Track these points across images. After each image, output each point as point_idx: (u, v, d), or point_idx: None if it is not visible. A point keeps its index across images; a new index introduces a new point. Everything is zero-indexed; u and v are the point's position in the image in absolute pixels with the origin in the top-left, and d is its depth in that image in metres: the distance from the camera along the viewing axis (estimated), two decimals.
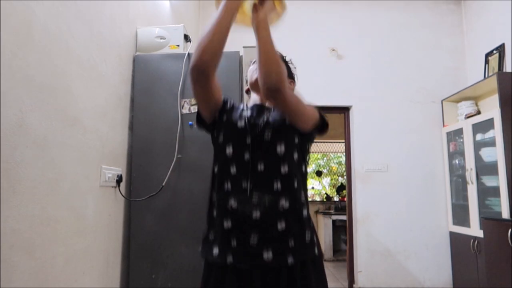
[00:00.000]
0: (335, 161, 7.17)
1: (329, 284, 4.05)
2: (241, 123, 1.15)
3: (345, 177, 4.50)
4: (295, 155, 1.14)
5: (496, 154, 3.01)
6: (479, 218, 3.18)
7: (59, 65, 1.40)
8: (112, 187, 1.86)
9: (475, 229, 3.23)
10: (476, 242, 3.19)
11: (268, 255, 1.05)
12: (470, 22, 3.99)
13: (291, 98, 1.07)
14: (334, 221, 5.69)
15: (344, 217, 4.79)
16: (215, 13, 1.04)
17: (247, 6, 1.08)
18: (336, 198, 6.66)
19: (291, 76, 1.30)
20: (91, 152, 1.65)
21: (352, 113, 3.98)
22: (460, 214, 3.58)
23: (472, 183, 3.31)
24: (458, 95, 3.69)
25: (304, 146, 1.19)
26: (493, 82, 3.16)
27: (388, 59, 4.02)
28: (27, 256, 1.21)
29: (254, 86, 1.27)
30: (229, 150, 1.13)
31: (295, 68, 1.20)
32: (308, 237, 1.11)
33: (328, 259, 5.54)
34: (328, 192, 6.89)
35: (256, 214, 1.07)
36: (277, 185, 1.09)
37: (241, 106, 1.24)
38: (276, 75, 1.02)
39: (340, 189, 6.66)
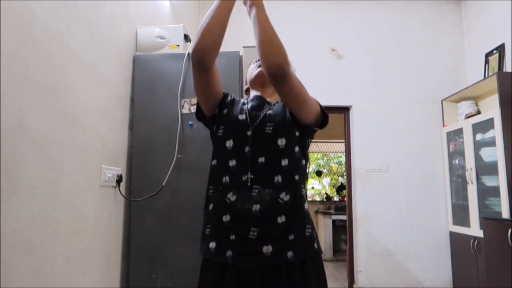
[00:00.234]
0: (335, 161, 7.17)
1: (329, 284, 4.05)
2: (242, 116, 1.15)
3: (345, 177, 4.50)
4: (296, 149, 1.13)
5: (496, 154, 3.01)
6: (479, 218, 3.18)
7: (59, 65, 1.40)
8: (112, 187, 1.86)
9: (475, 229, 3.23)
10: (476, 242, 3.19)
11: (267, 249, 1.04)
12: (470, 22, 3.99)
13: (296, 82, 1.06)
14: (334, 221, 5.69)
15: (344, 217, 4.79)
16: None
17: None
18: (336, 198, 6.66)
19: None
20: (91, 152, 1.65)
21: (352, 113, 3.98)
22: (460, 214, 3.58)
23: (472, 183, 3.31)
24: (458, 95, 3.69)
25: (304, 141, 1.18)
26: (493, 82, 3.16)
27: (388, 59, 4.02)
28: (27, 256, 1.21)
29: (254, 83, 1.27)
30: (229, 144, 1.12)
31: (294, 70, 1.20)
32: (309, 232, 1.10)
33: (328, 259, 5.54)
34: (328, 192, 6.89)
35: (256, 208, 1.06)
36: (278, 179, 1.08)
37: (242, 100, 1.24)
38: (280, 55, 1.00)
39: (340, 189, 6.66)
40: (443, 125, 3.87)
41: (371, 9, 4.11)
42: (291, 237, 1.06)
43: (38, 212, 1.26)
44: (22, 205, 1.19)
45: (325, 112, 1.19)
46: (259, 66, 1.25)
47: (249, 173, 1.08)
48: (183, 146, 1.99)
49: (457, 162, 3.68)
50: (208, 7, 1.06)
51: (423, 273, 3.69)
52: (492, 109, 3.27)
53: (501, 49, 3.39)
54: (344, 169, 6.32)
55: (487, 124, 3.15)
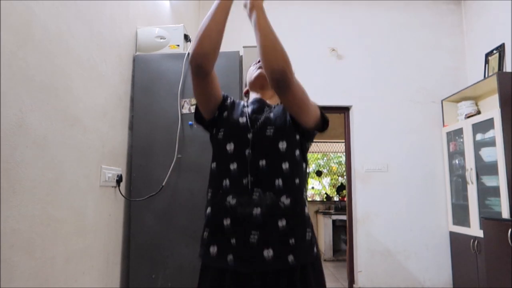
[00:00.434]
0: (335, 161, 7.17)
1: (329, 284, 4.03)
2: (242, 119, 1.15)
3: (345, 177, 4.50)
4: (297, 153, 1.13)
5: (496, 154, 3.01)
6: (479, 218, 3.18)
7: (59, 65, 1.40)
8: (112, 187, 1.86)
9: (475, 229, 3.23)
10: (476, 242, 3.19)
11: (268, 253, 1.03)
12: (470, 22, 3.99)
13: (299, 88, 1.05)
14: (334, 221, 5.69)
15: (344, 217, 4.79)
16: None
17: None
18: (336, 198, 6.67)
19: None
20: (91, 152, 1.65)
21: (352, 113, 3.98)
22: (460, 214, 3.58)
23: (472, 183, 3.31)
24: (458, 95, 3.69)
25: (304, 144, 1.18)
26: (493, 82, 3.16)
27: (388, 59, 4.02)
28: (27, 256, 1.21)
29: (254, 85, 1.26)
30: (230, 147, 1.12)
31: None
32: (309, 236, 1.10)
33: (328, 259, 5.54)
34: (328, 192, 6.89)
35: (257, 211, 1.05)
36: (279, 182, 1.08)
37: (242, 103, 1.23)
38: (282, 61, 1.00)
39: (340, 189, 6.66)
40: (443, 125, 3.87)
41: (371, 9, 4.11)
42: (292, 241, 1.06)
43: (38, 212, 1.26)
44: (22, 205, 1.19)
45: (325, 117, 1.19)
46: (259, 68, 1.24)
47: (249, 176, 1.08)
48: (183, 146, 1.99)
49: (457, 162, 3.68)
50: (208, 7, 1.07)
51: (423, 273, 3.69)
52: (492, 109, 3.27)
53: (501, 49, 3.39)
54: (344, 169, 6.32)
55: (487, 124, 3.15)
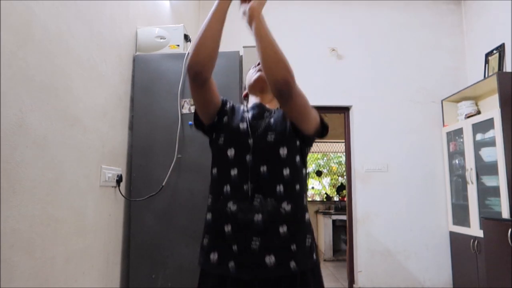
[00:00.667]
0: (335, 161, 7.17)
1: (329, 284, 4.03)
2: (243, 125, 1.14)
3: (345, 177, 4.50)
4: (297, 159, 1.13)
5: (496, 154, 3.01)
6: (479, 218, 3.18)
7: (59, 65, 1.40)
8: (112, 187, 1.86)
9: (475, 229, 3.23)
10: (476, 242, 3.19)
11: (270, 259, 1.03)
12: (470, 22, 3.99)
13: (300, 97, 1.05)
14: (334, 221, 5.69)
15: (344, 217, 4.79)
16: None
17: None
18: (336, 198, 6.67)
19: None
20: (91, 152, 1.65)
21: (352, 113, 3.98)
22: (460, 214, 3.58)
23: (472, 183, 3.31)
24: (458, 95, 3.69)
25: (304, 150, 1.18)
26: (493, 82, 3.17)
27: (388, 59, 4.02)
28: (27, 256, 1.21)
29: (254, 88, 1.25)
30: (230, 153, 1.11)
31: None
32: (309, 242, 1.10)
33: (328, 259, 5.54)
34: (328, 192, 6.89)
35: (258, 217, 1.05)
36: (280, 189, 1.08)
37: (242, 108, 1.23)
38: (285, 70, 0.99)
39: (340, 189, 6.67)
40: (443, 125, 3.87)
41: (371, 9, 4.12)
42: (293, 247, 1.06)
43: (38, 212, 1.26)
44: (22, 205, 1.19)
45: (325, 123, 1.18)
46: (259, 71, 1.23)
47: (250, 182, 1.07)
48: (183, 146, 1.99)
49: (457, 162, 3.68)
50: (208, 7, 1.06)
51: (423, 273, 3.69)
52: (492, 109, 3.27)
53: (501, 49, 3.39)
54: (344, 169, 6.32)
55: (487, 124, 3.15)
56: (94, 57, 1.67)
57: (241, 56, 2.04)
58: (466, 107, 3.64)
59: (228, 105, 1.21)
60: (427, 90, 3.97)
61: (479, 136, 3.28)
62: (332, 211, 5.98)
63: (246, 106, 1.25)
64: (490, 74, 3.45)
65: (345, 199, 4.22)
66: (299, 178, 1.13)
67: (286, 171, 1.09)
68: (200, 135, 1.95)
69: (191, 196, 1.94)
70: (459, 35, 4.09)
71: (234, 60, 2.03)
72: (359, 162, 3.86)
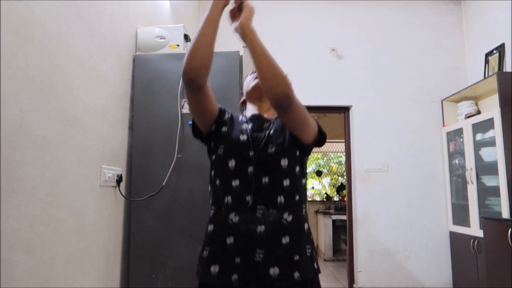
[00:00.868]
0: (335, 161, 7.17)
1: (329, 284, 4.03)
2: (243, 137, 1.14)
3: (345, 177, 4.50)
4: (297, 169, 1.14)
5: (496, 154, 3.01)
6: (479, 218, 3.18)
7: (59, 65, 1.40)
8: (112, 187, 1.86)
9: (475, 229, 3.23)
10: (476, 242, 3.19)
11: (274, 271, 1.03)
12: (470, 22, 3.99)
13: (300, 108, 1.05)
14: (334, 221, 5.69)
15: (344, 217, 4.79)
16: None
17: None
18: (336, 198, 6.67)
19: None
20: (91, 152, 1.65)
21: (352, 113, 3.98)
22: (460, 214, 3.58)
23: (472, 183, 3.31)
24: (458, 95, 3.69)
25: (303, 159, 1.18)
26: (493, 82, 3.16)
27: (388, 59, 4.02)
28: (27, 256, 1.21)
29: (251, 95, 1.25)
30: (231, 164, 1.11)
31: (287, 74, 1.17)
32: (309, 252, 1.11)
33: (328, 259, 5.54)
34: (328, 192, 6.89)
35: (261, 229, 1.05)
36: (281, 199, 1.08)
37: (240, 118, 1.22)
38: (283, 83, 0.99)
39: (340, 189, 6.67)
40: (443, 125, 3.87)
41: (371, 9, 4.12)
42: (296, 257, 1.06)
43: (38, 212, 1.26)
44: (22, 205, 1.19)
45: (323, 131, 1.18)
46: (256, 78, 1.22)
47: (253, 194, 1.08)
48: (183, 146, 1.99)
49: (457, 162, 3.68)
50: (208, 7, 1.06)
51: (423, 273, 3.69)
52: (492, 109, 3.27)
53: (501, 49, 3.39)
54: (344, 169, 6.32)
55: (487, 124, 3.15)
56: (94, 57, 1.67)
57: (241, 56, 2.04)
58: (466, 107, 3.64)
59: (226, 115, 1.20)
60: (427, 90, 3.97)
61: (479, 136, 3.28)
62: (332, 211, 5.98)
63: (245, 116, 1.24)
64: (490, 74, 3.45)
65: (345, 199, 4.22)
66: (299, 188, 1.13)
67: (286, 182, 1.10)
68: None
69: (191, 196, 1.94)
70: (459, 35, 4.09)
71: (234, 60, 2.03)
72: (359, 162, 3.86)
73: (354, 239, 3.82)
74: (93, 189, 1.66)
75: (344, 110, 4.06)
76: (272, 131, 1.15)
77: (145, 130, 2.03)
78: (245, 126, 1.18)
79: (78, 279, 1.53)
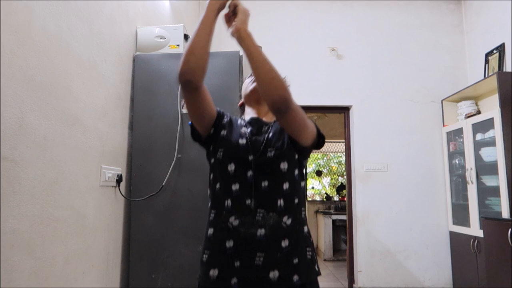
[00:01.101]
0: (335, 161, 7.17)
1: (329, 284, 4.03)
2: (242, 141, 1.13)
3: (345, 177, 4.50)
4: (296, 172, 1.14)
5: (496, 153, 3.01)
6: (479, 218, 3.18)
7: (59, 65, 1.40)
8: (112, 186, 1.86)
9: (475, 229, 3.23)
10: (476, 242, 3.19)
11: (274, 275, 1.04)
12: (470, 22, 3.99)
13: (298, 111, 1.05)
14: (334, 221, 5.70)
15: (344, 217, 4.80)
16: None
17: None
18: (336, 198, 6.67)
19: None
20: (91, 152, 1.65)
21: (352, 113, 3.98)
22: (460, 214, 3.58)
23: (472, 183, 3.31)
24: (458, 95, 3.69)
25: (302, 162, 1.18)
26: (493, 82, 3.16)
27: (388, 59, 4.02)
28: (27, 256, 1.21)
29: (249, 98, 1.24)
30: (231, 167, 1.11)
31: (285, 77, 1.16)
32: (309, 255, 1.11)
33: (328, 259, 5.54)
34: (328, 192, 6.90)
35: (261, 232, 1.05)
36: (281, 203, 1.09)
37: (239, 121, 1.22)
38: (281, 88, 0.99)
39: (340, 188, 6.67)
40: (443, 125, 3.87)
41: (371, 9, 4.11)
42: (296, 260, 1.07)
43: (38, 212, 1.26)
44: (22, 205, 1.19)
45: (321, 133, 1.18)
46: (254, 82, 1.21)
47: (253, 198, 1.08)
48: (183, 146, 1.99)
49: (457, 162, 3.68)
50: None
51: (423, 272, 3.70)
52: (492, 109, 3.27)
53: (501, 49, 3.39)
54: (344, 169, 6.32)
55: (487, 124, 3.15)
56: (94, 57, 1.67)
57: (241, 56, 2.04)
58: (466, 107, 3.64)
59: (225, 119, 1.20)
60: (427, 90, 3.97)
61: (479, 136, 3.28)
62: (332, 211, 5.98)
63: (244, 119, 1.24)
64: (490, 74, 3.45)
65: (345, 199, 4.22)
66: (298, 191, 1.13)
67: (286, 185, 1.10)
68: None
69: (191, 196, 1.94)
70: (459, 34, 4.09)
71: (234, 60, 2.02)
72: (359, 161, 3.86)
73: (354, 239, 3.82)
74: (93, 189, 1.66)
75: (344, 110, 4.06)
76: (271, 135, 1.15)
77: (145, 130, 2.03)
78: (244, 129, 1.17)
79: (78, 279, 1.53)
